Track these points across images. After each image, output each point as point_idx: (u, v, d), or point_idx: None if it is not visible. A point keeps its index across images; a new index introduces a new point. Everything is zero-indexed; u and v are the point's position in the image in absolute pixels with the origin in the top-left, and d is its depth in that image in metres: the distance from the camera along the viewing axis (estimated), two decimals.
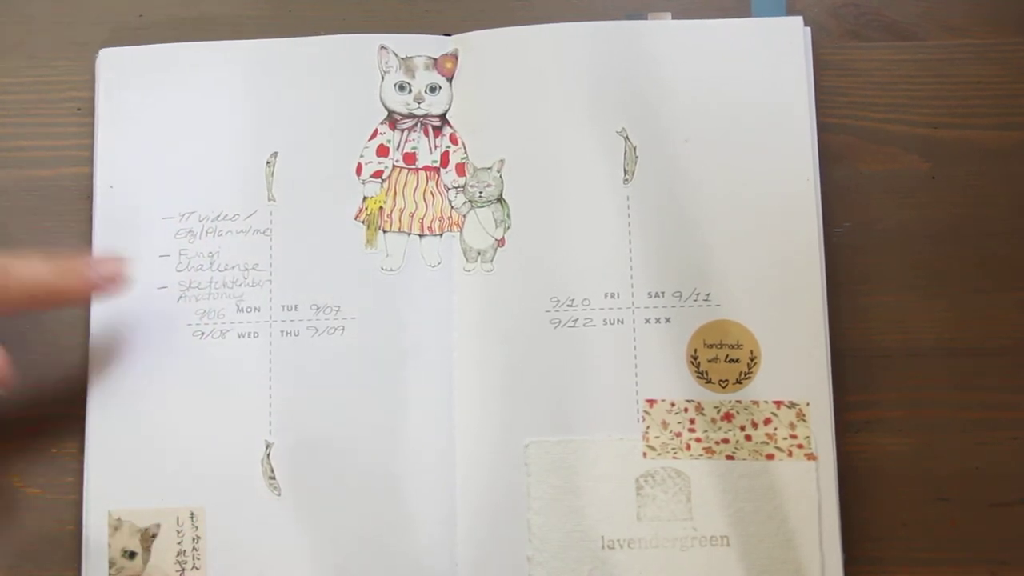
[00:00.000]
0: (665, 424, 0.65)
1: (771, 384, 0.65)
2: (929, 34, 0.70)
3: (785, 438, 0.65)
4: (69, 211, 0.70)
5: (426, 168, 0.69)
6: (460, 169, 0.69)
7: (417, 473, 0.66)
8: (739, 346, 0.66)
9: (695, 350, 0.66)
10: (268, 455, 0.66)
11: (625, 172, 0.67)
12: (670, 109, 0.68)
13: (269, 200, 0.68)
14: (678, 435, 0.65)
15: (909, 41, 0.70)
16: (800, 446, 0.65)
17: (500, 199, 0.68)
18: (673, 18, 0.70)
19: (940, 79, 0.70)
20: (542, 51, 0.69)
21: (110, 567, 0.65)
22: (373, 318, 0.67)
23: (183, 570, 0.65)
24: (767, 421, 0.65)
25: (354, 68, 0.69)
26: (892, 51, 0.70)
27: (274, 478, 0.66)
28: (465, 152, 0.69)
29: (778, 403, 0.65)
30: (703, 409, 0.65)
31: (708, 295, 0.66)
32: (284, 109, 0.69)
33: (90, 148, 0.70)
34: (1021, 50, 0.70)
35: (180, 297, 0.67)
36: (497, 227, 0.68)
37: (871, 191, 0.69)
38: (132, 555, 0.65)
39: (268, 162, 0.68)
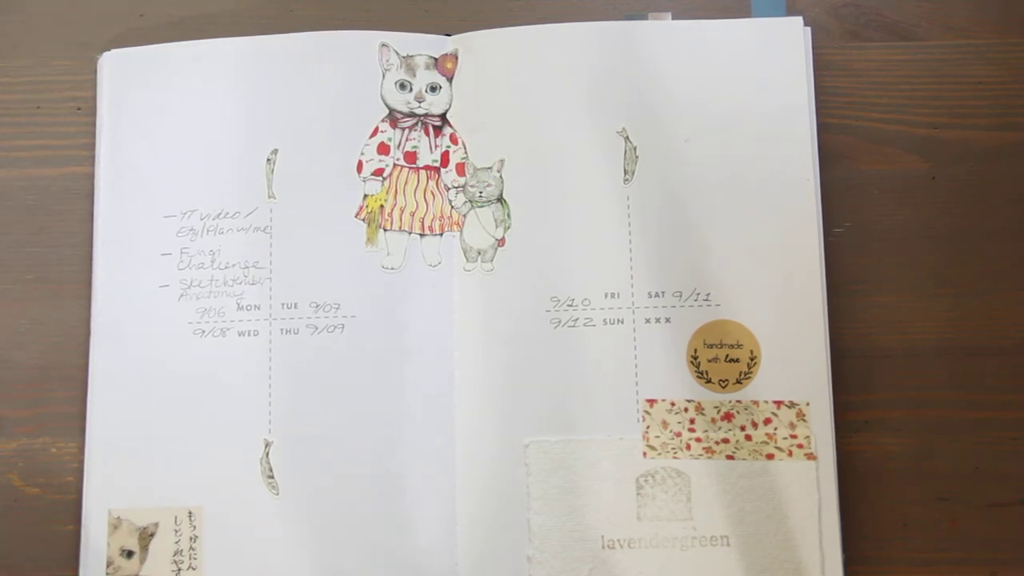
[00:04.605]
0: (665, 424, 0.65)
1: (771, 384, 0.65)
2: (929, 34, 0.70)
3: (785, 438, 0.65)
4: (69, 211, 0.70)
5: (426, 167, 0.69)
6: (460, 169, 0.69)
7: (417, 473, 0.66)
8: (739, 346, 0.66)
9: (695, 350, 0.66)
10: (267, 454, 0.66)
11: (625, 172, 0.67)
12: (670, 109, 0.68)
13: (269, 197, 0.68)
14: (678, 435, 0.65)
15: (909, 41, 0.70)
16: (800, 446, 0.65)
17: (500, 199, 0.68)
18: (673, 18, 0.70)
19: (940, 79, 0.70)
20: (542, 51, 0.69)
21: (107, 566, 0.65)
22: (373, 317, 0.67)
23: (179, 570, 0.65)
24: (767, 421, 0.65)
25: (355, 65, 0.69)
26: (892, 51, 0.70)
27: (272, 477, 0.66)
28: (465, 152, 0.69)
29: (778, 403, 0.65)
30: (703, 409, 0.65)
31: (708, 295, 0.66)
32: (284, 106, 0.69)
33: (90, 148, 0.70)
34: (1021, 51, 0.70)
35: (181, 295, 0.68)
36: (497, 227, 0.68)
37: (871, 191, 0.69)
38: (130, 554, 0.65)
39: (268, 159, 0.68)
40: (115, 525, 0.66)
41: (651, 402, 0.66)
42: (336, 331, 0.67)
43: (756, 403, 0.65)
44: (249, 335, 0.67)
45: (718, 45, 0.68)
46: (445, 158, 0.69)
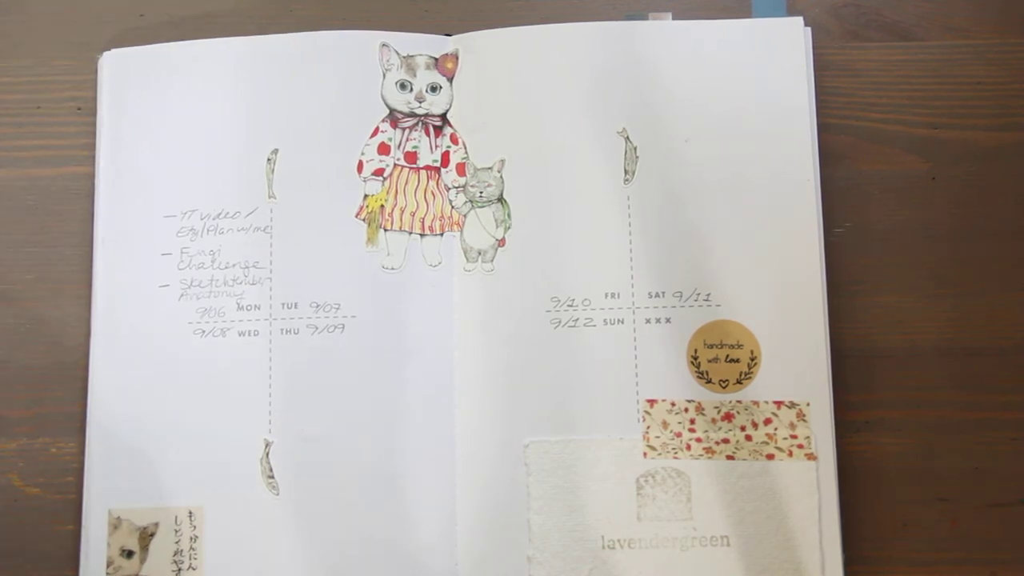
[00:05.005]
0: (665, 424, 0.65)
1: (771, 384, 0.65)
2: (929, 34, 0.70)
3: (785, 438, 0.65)
4: (69, 211, 0.70)
5: (427, 167, 0.69)
6: (460, 169, 0.69)
7: (417, 473, 0.66)
8: (739, 346, 0.66)
9: (695, 350, 0.66)
10: (267, 454, 0.66)
11: (626, 172, 0.67)
12: (670, 109, 0.68)
13: (270, 197, 0.68)
14: (678, 435, 0.65)
15: (909, 41, 0.70)
16: (800, 446, 0.65)
17: (500, 199, 0.68)
18: (673, 18, 0.70)
19: (940, 79, 0.70)
20: (542, 51, 0.69)
21: (107, 566, 0.65)
22: (373, 317, 0.67)
23: (179, 570, 0.65)
24: (767, 421, 0.65)
25: (355, 65, 0.69)
26: (892, 51, 0.70)
27: (273, 477, 0.66)
28: (466, 152, 0.69)
29: (778, 403, 0.65)
30: (703, 409, 0.65)
31: (708, 295, 0.66)
32: (284, 106, 0.69)
33: (90, 148, 0.70)
34: (1021, 51, 0.70)
35: (182, 295, 0.68)
36: (497, 227, 0.68)
37: (871, 191, 0.69)
38: (130, 554, 0.65)
39: (269, 159, 0.68)
40: (115, 525, 0.66)
41: (651, 402, 0.66)
42: (336, 331, 0.67)
43: (756, 403, 0.65)
44: (249, 335, 0.67)
45: (718, 45, 0.68)
46: (445, 158, 0.69)
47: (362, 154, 0.69)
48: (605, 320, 0.66)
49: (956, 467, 0.66)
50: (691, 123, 0.68)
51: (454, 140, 0.69)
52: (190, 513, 0.66)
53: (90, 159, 0.70)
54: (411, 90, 0.69)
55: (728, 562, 0.64)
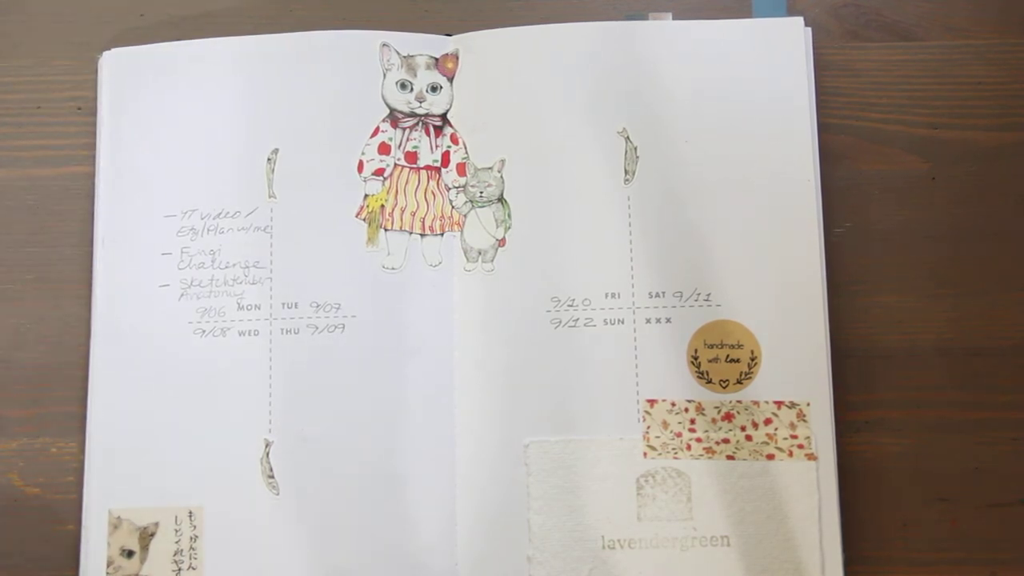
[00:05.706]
0: (666, 424, 0.65)
1: (772, 384, 0.65)
2: (929, 34, 0.70)
3: (785, 438, 0.65)
4: (69, 211, 0.70)
5: (427, 167, 0.69)
6: (461, 169, 0.69)
7: (417, 473, 0.66)
8: (740, 346, 0.66)
9: (696, 350, 0.66)
10: (267, 454, 0.66)
11: (626, 172, 0.67)
12: (671, 109, 0.68)
13: (270, 197, 0.68)
14: (678, 435, 0.65)
15: (909, 41, 0.70)
16: (800, 446, 0.65)
17: (501, 199, 0.68)
18: (674, 18, 0.70)
19: (940, 79, 0.70)
20: (542, 51, 0.69)
21: (107, 566, 0.65)
22: (374, 317, 0.67)
23: (179, 570, 0.65)
24: (767, 421, 0.65)
25: (356, 65, 0.69)
26: (892, 51, 0.70)
27: (273, 477, 0.66)
28: (466, 152, 0.69)
29: (779, 403, 0.65)
30: (704, 409, 0.65)
31: (708, 295, 0.66)
32: (284, 105, 0.69)
33: (91, 147, 0.70)
34: (1021, 51, 0.70)
35: (182, 295, 0.68)
36: (498, 227, 0.68)
37: (871, 191, 0.69)
38: (130, 554, 0.65)
39: (269, 159, 0.68)
40: (115, 525, 0.66)
41: (651, 402, 0.66)
42: (336, 331, 0.67)
43: (756, 403, 0.65)
44: (249, 335, 0.67)
45: (718, 45, 0.68)
46: (446, 158, 0.69)
47: (362, 154, 0.69)
48: (605, 320, 0.66)
49: (956, 467, 0.66)
50: (691, 123, 0.68)
51: (454, 140, 0.69)
52: (190, 513, 0.66)
53: (90, 159, 0.70)
54: (411, 90, 0.69)
55: (728, 562, 0.64)
